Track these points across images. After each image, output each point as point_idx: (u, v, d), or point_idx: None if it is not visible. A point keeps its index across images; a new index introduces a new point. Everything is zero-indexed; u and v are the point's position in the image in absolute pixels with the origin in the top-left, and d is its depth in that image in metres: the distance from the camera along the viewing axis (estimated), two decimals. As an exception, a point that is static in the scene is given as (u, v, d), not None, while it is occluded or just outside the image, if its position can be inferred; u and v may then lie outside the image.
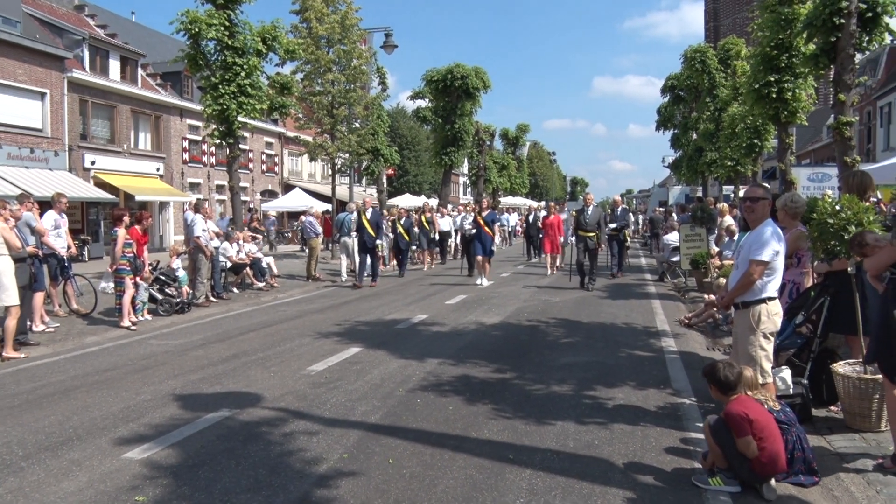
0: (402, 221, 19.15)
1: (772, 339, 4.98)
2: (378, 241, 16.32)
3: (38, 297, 10.06)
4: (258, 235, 21.35)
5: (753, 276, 4.84)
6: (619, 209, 17.84)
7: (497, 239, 16.11)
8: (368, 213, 15.99)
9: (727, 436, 4.28)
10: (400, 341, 9.16)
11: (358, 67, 26.44)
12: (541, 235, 20.91)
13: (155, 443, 5.15)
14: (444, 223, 22.81)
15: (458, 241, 22.20)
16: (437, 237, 22.22)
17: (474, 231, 16.32)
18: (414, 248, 20.94)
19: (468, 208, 22.85)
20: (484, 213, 16.50)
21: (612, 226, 16.72)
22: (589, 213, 14.89)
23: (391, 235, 19.66)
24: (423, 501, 4.14)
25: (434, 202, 30.86)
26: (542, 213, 20.99)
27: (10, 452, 5.02)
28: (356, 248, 16.41)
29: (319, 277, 17.37)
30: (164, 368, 7.74)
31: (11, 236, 8.60)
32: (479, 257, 16.11)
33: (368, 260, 16.15)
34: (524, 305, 12.54)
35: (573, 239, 15.45)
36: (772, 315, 4.91)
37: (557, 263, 18.90)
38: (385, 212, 23.94)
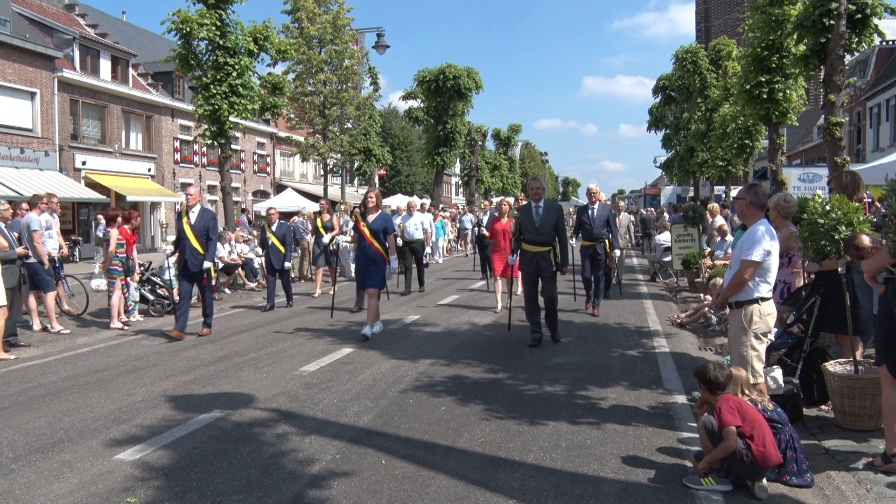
0: (272, 228, 12.92)
1: (764, 339, 4.99)
2: (208, 263, 9.86)
3: (50, 298, 10.23)
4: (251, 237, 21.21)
5: (744, 275, 4.86)
6: (596, 206, 11.29)
7: (394, 261, 9.69)
8: (192, 216, 9.84)
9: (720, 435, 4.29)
10: (392, 341, 9.15)
11: (350, 67, 26.51)
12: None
13: (147, 444, 5.13)
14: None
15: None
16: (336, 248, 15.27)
17: (352, 245, 9.64)
18: (287, 264, 13.40)
19: (350, 210, 15.84)
20: (370, 217, 9.43)
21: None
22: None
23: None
24: (416, 501, 4.14)
25: (426, 201, 30.52)
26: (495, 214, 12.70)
27: (0, 454, 4.99)
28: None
29: (311, 278, 17.32)
30: (155, 369, 7.70)
31: (-2, 237, 8.56)
32: (369, 290, 9.66)
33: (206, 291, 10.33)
34: (516, 305, 12.51)
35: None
36: (764, 315, 4.93)
37: (519, 291, 11.84)
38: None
